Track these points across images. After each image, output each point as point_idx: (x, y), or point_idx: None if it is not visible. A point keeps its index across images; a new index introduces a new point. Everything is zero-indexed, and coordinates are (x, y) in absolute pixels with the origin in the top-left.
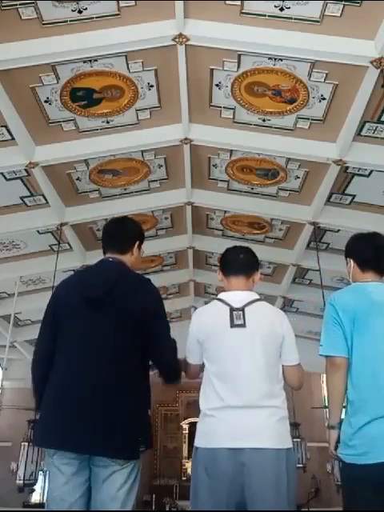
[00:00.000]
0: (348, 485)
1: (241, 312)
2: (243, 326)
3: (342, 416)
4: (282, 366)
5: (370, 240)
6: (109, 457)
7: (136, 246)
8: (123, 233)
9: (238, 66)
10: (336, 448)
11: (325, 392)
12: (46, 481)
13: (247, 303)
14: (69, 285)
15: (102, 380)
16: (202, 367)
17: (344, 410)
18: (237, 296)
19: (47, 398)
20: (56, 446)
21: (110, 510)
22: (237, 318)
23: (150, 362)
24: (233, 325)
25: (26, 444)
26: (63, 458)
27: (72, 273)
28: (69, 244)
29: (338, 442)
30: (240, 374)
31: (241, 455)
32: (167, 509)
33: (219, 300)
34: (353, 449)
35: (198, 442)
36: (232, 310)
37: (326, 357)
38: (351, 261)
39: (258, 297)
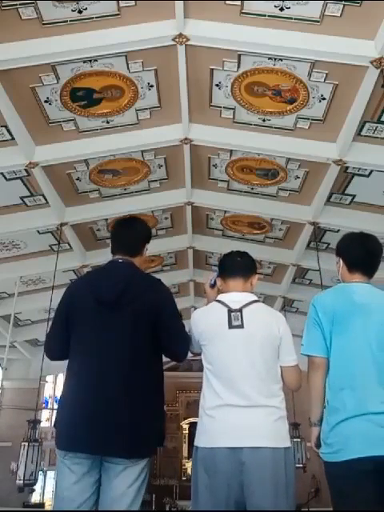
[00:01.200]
0: (329, 481)
1: (239, 313)
2: (241, 326)
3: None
4: (280, 366)
5: (360, 242)
6: (123, 457)
7: (145, 247)
8: (134, 236)
9: (238, 66)
10: (318, 446)
11: None
12: (52, 479)
13: (245, 304)
14: (80, 286)
15: (116, 380)
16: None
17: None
18: (235, 297)
19: (63, 400)
20: (72, 448)
21: (119, 510)
22: (235, 319)
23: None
24: (231, 326)
25: (26, 444)
26: (75, 458)
27: (72, 273)
28: (69, 244)
29: (318, 438)
30: (238, 374)
31: (240, 454)
32: (167, 509)
33: (218, 301)
34: (329, 447)
35: (197, 442)
36: (230, 311)
37: (307, 356)
38: (340, 260)
39: (255, 298)
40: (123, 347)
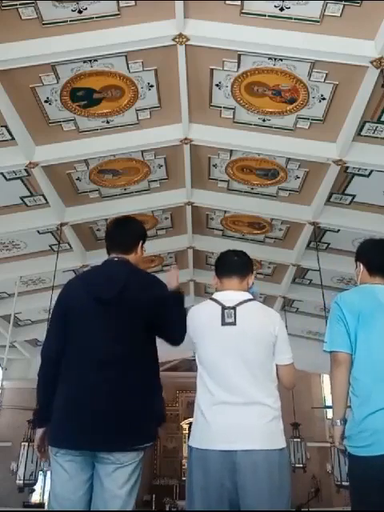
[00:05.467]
0: (354, 477)
1: (232, 310)
2: (234, 324)
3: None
4: (276, 365)
5: (382, 247)
6: (117, 450)
7: (140, 245)
8: (129, 233)
9: (238, 66)
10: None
11: (325, 392)
12: (48, 478)
13: (239, 302)
14: (77, 286)
15: (110, 379)
16: None
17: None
18: (229, 296)
19: (60, 399)
20: (60, 444)
21: (112, 510)
22: (228, 316)
23: None
24: (224, 323)
25: (26, 444)
26: (66, 456)
27: (72, 273)
28: (69, 244)
29: (342, 436)
30: (230, 372)
31: (233, 456)
32: (167, 509)
33: (212, 299)
34: (357, 441)
35: (191, 442)
36: (223, 308)
37: (330, 353)
38: (361, 265)
39: (251, 297)
40: (119, 346)
